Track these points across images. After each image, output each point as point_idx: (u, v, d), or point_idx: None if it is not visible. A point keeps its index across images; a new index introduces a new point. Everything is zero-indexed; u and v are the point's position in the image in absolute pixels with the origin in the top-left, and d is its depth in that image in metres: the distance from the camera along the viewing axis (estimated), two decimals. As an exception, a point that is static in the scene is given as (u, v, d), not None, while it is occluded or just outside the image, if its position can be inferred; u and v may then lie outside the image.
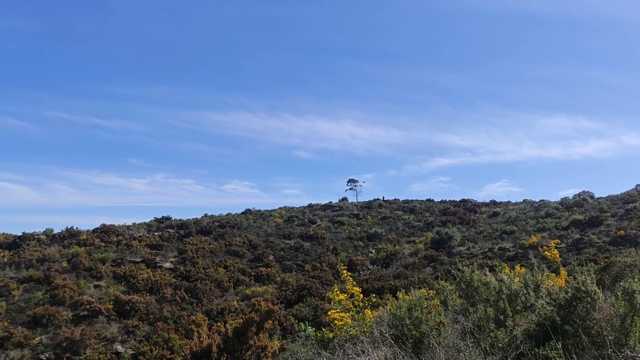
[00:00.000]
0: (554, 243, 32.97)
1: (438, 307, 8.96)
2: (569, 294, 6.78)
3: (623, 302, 6.23)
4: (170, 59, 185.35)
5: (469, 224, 50.22)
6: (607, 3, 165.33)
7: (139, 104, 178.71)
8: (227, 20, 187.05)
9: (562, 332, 6.46)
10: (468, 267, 9.80)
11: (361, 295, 9.84)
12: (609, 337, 6.01)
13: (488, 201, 65.32)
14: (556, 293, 7.42)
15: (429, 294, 10.14)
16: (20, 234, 42.21)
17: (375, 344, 7.47)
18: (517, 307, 8.10)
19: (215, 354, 9.49)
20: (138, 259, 36.00)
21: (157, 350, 19.97)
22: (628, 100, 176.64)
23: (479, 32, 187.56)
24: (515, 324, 7.35)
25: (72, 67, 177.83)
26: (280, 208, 63.07)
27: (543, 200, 57.54)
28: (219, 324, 18.49)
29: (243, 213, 60.51)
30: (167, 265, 36.04)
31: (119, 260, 35.21)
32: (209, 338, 9.93)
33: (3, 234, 42.31)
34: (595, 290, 6.55)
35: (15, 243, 39.93)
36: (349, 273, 10.80)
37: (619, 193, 51.78)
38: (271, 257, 38.94)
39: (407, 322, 7.52)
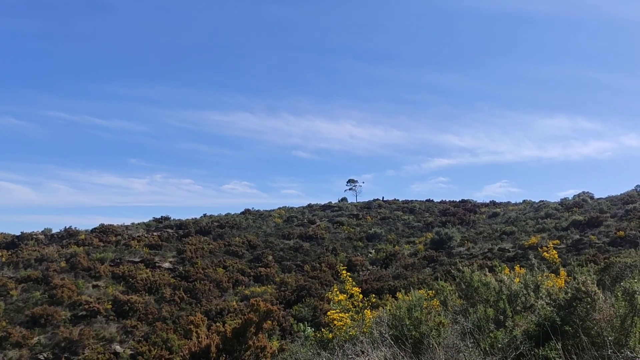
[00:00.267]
0: (554, 244, 32.95)
1: (438, 307, 8.94)
2: (569, 295, 6.76)
3: (623, 302, 6.21)
4: (170, 59, 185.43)
5: (468, 225, 50.21)
6: (606, 3, 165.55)
7: (138, 104, 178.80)
8: (227, 20, 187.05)
9: (562, 332, 6.44)
10: (468, 268, 9.78)
11: (360, 296, 9.82)
12: (609, 338, 5.99)
13: (488, 202, 65.44)
14: (556, 293, 7.41)
15: (428, 294, 10.11)
16: (18, 233, 42.25)
17: (375, 345, 7.45)
18: (517, 308, 8.07)
19: (214, 354, 9.46)
20: (137, 259, 35.96)
21: (155, 351, 19.94)
22: (627, 100, 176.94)
23: (478, 32, 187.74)
24: (515, 324, 7.33)
25: (71, 67, 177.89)
26: (279, 208, 63.05)
27: (543, 200, 57.59)
28: (218, 324, 18.48)
29: (242, 213, 60.49)
30: (166, 265, 36.00)
31: (118, 260, 35.16)
32: (207, 338, 9.90)
33: (2, 233, 42.30)
34: (595, 291, 6.53)
35: (14, 243, 39.89)
36: (348, 273, 10.78)
37: (619, 194, 51.87)
38: (270, 258, 38.91)
39: (407, 323, 7.50)
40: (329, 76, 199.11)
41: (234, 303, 28.91)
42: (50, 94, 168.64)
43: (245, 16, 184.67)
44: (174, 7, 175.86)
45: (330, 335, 8.85)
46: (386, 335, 7.63)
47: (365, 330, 8.63)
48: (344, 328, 8.83)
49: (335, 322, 8.98)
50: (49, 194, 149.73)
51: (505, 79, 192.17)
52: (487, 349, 6.61)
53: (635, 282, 6.36)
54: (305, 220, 53.87)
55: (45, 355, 22.52)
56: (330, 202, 66.56)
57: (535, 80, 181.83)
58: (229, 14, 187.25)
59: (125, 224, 49.40)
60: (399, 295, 8.97)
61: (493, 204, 63.60)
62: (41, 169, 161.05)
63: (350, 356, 7.17)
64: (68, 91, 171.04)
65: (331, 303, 10.07)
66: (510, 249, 35.83)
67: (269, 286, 32.70)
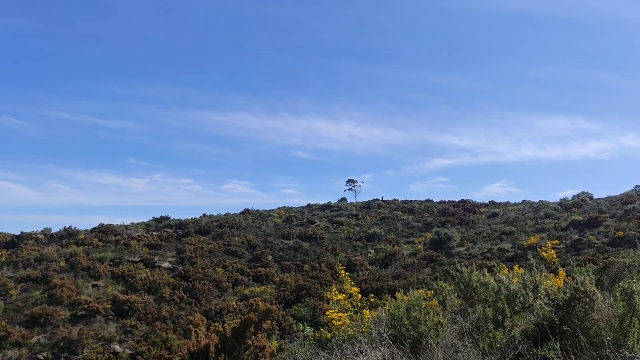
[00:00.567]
0: (553, 244, 32.97)
1: (436, 307, 8.94)
2: (568, 295, 6.77)
3: (622, 302, 6.21)
4: (170, 59, 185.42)
5: (468, 225, 50.22)
6: (606, 4, 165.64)
7: (138, 103, 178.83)
8: (227, 21, 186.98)
9: (561, 332, 6.45)
10: (467, 268, 9.79)
11: (359, 296, 9.82)
12: (608, 338, 6.00)
13: (487, 202, 65.44)
14: (555, 294, 7.41)
15: (427, 294, 10.12)
16: (18, 233, 42.19)
17: (374, 344, 7.45)
18: (516, 308, 8.08)
19: (213, 354, 9.46)
20: (136, 259, 35.94)
21: (155, 350, 19.95)
22: (627, 101, 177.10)
23: (478, 32, 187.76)
24: (513, 324, 7.33)
25: (71, 66, 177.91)
26: (279, 208, 63.04)
27: (542, 201, 57.59)
28: (217, 324, 18.46)
29: (242, 213, 60.47)
30: (166, 265, 35.99)
31: (117, 260, 35.15)
32: (206, 338, 9.90)
33: (1, 233, 42.26)
34: (593, 291, 6.54)
35: (13, 242, 39.86)
36: (347, 273, 10.79)
37: (618, 194, 51.85)
38: (270, 257, 38.91)
39: (406, 323, 7.50)
40: (329, 76, 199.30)
41: (234, 303, 28.90)
42: (49, 93, 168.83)
43: (245, 16, 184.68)
44: (174, 7, 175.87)
45: (329, 335, 8.85)
46: (385, 335, 7.64)
47: (363, 330, 8.63)
48: (343, 328, 8.83)
49: (334, 321, 8.98)
50: (48, 194, 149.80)
51: (504, 79, 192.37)
52: (486, 348, 6.61)
53: (634, 282, 6.37)
54: (304, 220, 53.87)
55: (45, 354, 22.51)
56: (329, 202, 66.57)
57: (534, 80, 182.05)
58: (228, 14, 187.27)
59: (125, 223, 49.41)
60: (398, 295, 8.98)
61: (492, 204, 63.61)
62: (41, 169, 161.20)
63: (348, 356, 7.17)
64: (68, 91, 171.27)
65: (330, 303, 10.07)
66: (510, 249, 35.84)
67: (269, 286, 32.70)
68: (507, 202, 64.94)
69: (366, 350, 7.04)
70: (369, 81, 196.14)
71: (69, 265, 32.96)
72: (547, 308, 7.13)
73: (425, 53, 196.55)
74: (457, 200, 65.63)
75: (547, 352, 6.05)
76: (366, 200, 69.31)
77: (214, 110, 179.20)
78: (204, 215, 58.95)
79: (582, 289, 6.56)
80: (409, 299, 8.29)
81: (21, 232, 42.22)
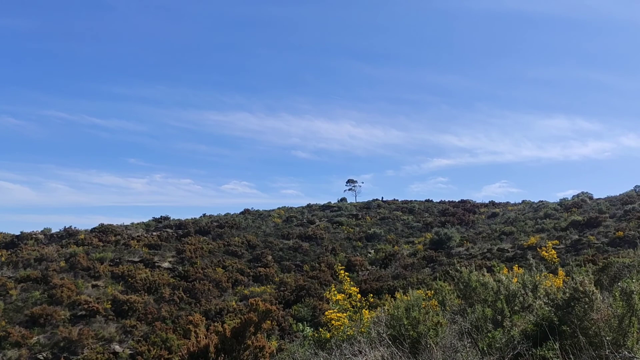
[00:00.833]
0: (553, 244, 32.97)
1: (436, 307, 8.94)
2: (567, 295, 6.76)
3: (621, 302, 6.21)
4: (170, 59, 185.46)
5: (467, 225, 50.22)
6: (606, 4, 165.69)
7: (137, 103, 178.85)
8: (226, 21, 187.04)
9: (560, 332, 6.45)
10: (466, 268, 9.79)
11: (359, 296, 9.82)
12: (607, 338, 5.99)
13: (487, 202, 65.44)
14: (554, 293, 7.40)
15: (427, 294, 10.12)
16: (18, 233, 42.20)
17: (373, 344, 7.45)
18: (515, 308, 8.08)
19: (213, 354, 9.47)
20: (136, 259, 35.95)
21: (155, 350, 19.94)
22: (626, 101, 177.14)
23: (478, 32, 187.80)
24: (512, 324, 7.33)
25: (70, 66, 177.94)
26: (279, 208, 63.04)
27: (542, 201, 57.59)
28: (217, 324, 18.45)
29: (242, 213, 60.47)
30: (166, 265, 35.99)
31: (117, 260, 35.15)
32: (206, 338, 9.91)
33: (1, 233, 42.26)
34: (593, 291, 6.53)
35: (13, 242, 39.85)
36: (346, 273, 10.79)
37: (618, 194, 51.85)
38: (270, 258, 38.90)
39: (405, 322, 7.50)
40: (328, 76, 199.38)
41: (233, 303, 28.90)
42: (49, 93, 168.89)
43: (245, 16, 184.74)
44: (174, 7, 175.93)
45: (328, 335, 8.85)
46: (384, 335, 7.64)
47: (363, 330, 8.63)
48: (342, 328, 8.83)
49: (333, 321, 8.98)
50: (48, 194, 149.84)
51: (504, 80, 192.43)
52: (485, 348, 6.61)
53: (633, 282, 6.36)
54: (304, 220, 53.86)
55: (45, 355, 22.51)
56: (329, 202, 66.55)
57: (534, 80, 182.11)
58: (228, 14, 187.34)
59: (125, 223, 49.43)
60: (398, 295, 8.97)
61: (492, 204, 63.61)
62: (40, 169, 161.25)
63: (347, 356, 7.17)
64: (67, 91, 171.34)
65: (330, 303, 10.08)
66: (509, 249, 35.84)
67: (268, 286, 32.69)
68: (507, 202, 64.99)
69: (365, 350, 7.04)
70: (368, 81, 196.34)
71: (69, 265, 32.96)
72: (546, 308, 7.13)
73: (425, 53, 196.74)
74: (457, 201, 65.67)
75: (546, 352, 6.05)
76: (366, 200, 69.35)
77: (213, 110, 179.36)
78: (204, 215, 58.96)
79: (581, 289, 6.56)
80: (409, 299, 8.29)
81: (21, 232, 42.28)
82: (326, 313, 9.43)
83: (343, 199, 72.18)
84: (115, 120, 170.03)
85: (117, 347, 23.63)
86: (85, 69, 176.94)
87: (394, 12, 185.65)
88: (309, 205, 65.41)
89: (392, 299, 11.19)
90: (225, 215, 58.90)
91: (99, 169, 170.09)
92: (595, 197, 53.61)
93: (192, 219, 54.61)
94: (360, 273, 35.45)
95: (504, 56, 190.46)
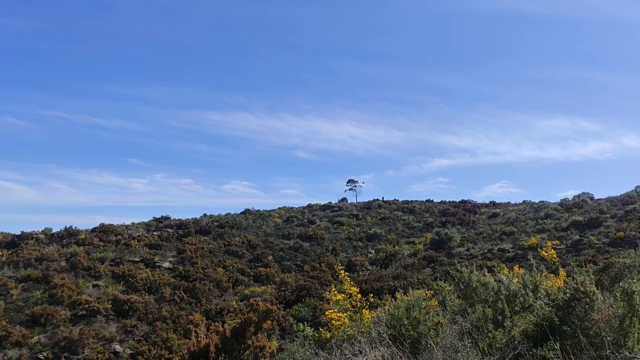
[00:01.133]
0: (553, 244, 32.95)
1: (436, 307, 8.94)
2: (568, 295, 6.76)
3: (622, 303, 6.20)
4: (170, 59, 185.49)
5: (468, 225, 50.20)
6: (606, 4, 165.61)
7: (137, 103, 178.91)
8: (226, 21, 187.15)
9: (560, 332, 6.44)
10: (467, 268, 9.78)
11: (359, 296, 9.82)
12: (608, 338, 5.99)
13: (487, 202, 65.37)
14: (555, 294, 7.40)
15: (427, 294, 10.11)
16: (19, 233, 42.19)
17: (373, 344, 7.45)
18: (516, 308, 8.07)
19: (213, 354, 9.46)
20: (137, 259, 35.96)
21: (155, 350, 19.96)
22: (627, 101, 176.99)
23: (477, 33, 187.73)
24: (513, 324, 7.32)
25: (70, 66, 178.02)
26: (279, 208, 63.04)
27: (542, 201, 57.54)
28: (217, 323, 18.47)
29: (242, 213, 60.49)
30: (166, 265, 36.01)
31: (118, 260, 35.17)
32: (206, 338, 9.90)
33: (2, 233, 42.26)
34: (593, 291, 6.53)
35: (14, 242, 39.88)
36: (347, 273, 10.79)
37: (619, 194, 51.80)
38: (270, 257, 38.91)
39: (405, 323, 7.49)
40: (328, 76, 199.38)
41: (234, 303, 28.90)
42: (49, 93, 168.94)
43: (245, 16, 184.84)
44: (174, 7, 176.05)
45: (329, 335, 8.85)
46: (384, 335, 7.64)
47: (363, 330, 8.63)
48: (342, 328, 8.83)
49: (334, 321, 8.98)
50: (48, 194, 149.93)
51: (504, 80, 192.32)
52: (485, 349, 6.61)
53: (634, 282, 6.35)
54: (305, 220, 53.86)
55: (45, 354, 22.52)
56: (330, 202, 66.55)
57: (534, 80, 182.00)
58: (228, 14, 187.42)
59: (125, 223, 49.44)
60: (398, 295, 8.97)
61: (493, 204, 63.56)
62: (41, 169, 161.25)
63: (348, 356, 7.17)
64: (67, 91, 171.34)
65: (330, 303, 10.07)
66: (510, 250, 35.82)
67: (269, 286, 32.69)
68: (508, 202, 64.92)
69: (365, 350, 7.03)
70: (368, 81, 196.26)
71: (69, 265, 32.98)
72: (547, 308, 7.12)
73: (424, 53, 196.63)
74: (457, 201, 65.62)
75: (546, 352, 6.05)
76: (367, 200, 69.34)
77: (213, 110, 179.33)
78: (205, 215, 58.99)
79: (582, 289, 6.55)
80: (409, 299, 8.28)
81: (22, 232, 42.28)
82: (326, 313, 9.43)
83: (343, 199, 72.21)
84: (116, 120, 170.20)
85: (117, 347, 23.64)
86: (86, 69, 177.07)
87: (394, 12, 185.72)
88: (309, 205, 65.42)
89: (393, 299, 11.19)
90: (225, 215, 58.93)
91: (99, 169, 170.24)
92: (596, 197, 53.60)
93: (192, 218, 54.65)
94: (360, 273, 35.45)
95: (504, 56, 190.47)
